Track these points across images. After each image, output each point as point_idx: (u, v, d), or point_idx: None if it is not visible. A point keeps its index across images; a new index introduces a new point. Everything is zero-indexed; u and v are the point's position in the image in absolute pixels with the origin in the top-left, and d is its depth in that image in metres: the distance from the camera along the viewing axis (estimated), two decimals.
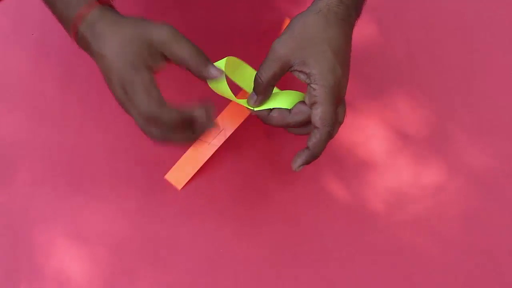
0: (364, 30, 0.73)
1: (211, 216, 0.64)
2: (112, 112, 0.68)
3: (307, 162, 0.48)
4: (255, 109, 0.50)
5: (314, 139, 0.46)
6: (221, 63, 0.49)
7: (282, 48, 0.47)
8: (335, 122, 0.47)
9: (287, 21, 0.65)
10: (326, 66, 0.46)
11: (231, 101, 0.60)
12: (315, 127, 0.46)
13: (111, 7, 0.50)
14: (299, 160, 0.48)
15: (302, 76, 0.47)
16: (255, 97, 0.49)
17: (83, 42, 0.49)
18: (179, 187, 0.64)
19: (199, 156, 0.63)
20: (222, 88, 0.49)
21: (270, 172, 0.66)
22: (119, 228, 0.63)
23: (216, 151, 0.63)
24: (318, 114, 0.46)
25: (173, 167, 0.64)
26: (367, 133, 0.68)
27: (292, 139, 0.67)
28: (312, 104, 0.46)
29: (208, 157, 0.63)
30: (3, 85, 0.69)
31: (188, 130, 0.48)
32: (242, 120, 0.63)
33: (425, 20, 0.75)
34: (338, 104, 0.48)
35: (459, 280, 0.62)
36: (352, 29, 0.50)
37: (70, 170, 0.66)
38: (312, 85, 0.46)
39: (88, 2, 0.47)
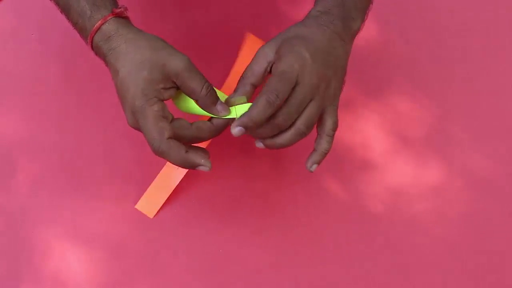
0: (363, 31, 0.73)
1: (210, 218, 0.64)
2: (112, 112, 0.68)
3: (245, 126, 0.46)
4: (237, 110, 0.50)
5: (254, 103, 0.46)
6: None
7: (264, 48, 0.49)
8: (280, 93, 0.45)
9: (249, 36, 0.65)
10: (291, 50, 0.47)
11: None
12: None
13: (126, 18, 0.50)
14: (236, 122, 0.47)
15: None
16: (234, 94, 0.50)
17: (98, 52, 0.49)
18: (151, 215, 0.63)
19: (169, 182, 0.62)
20: (193, 108, 0.50)
21: (269, 173, 0.66)
22: (119, 229, 0.63)
23: (215, 151, 0.63)
24: (266, 83, 0.46)
25: (142, 196, 0.63)
26: (366, 134, 0.68)
27: None
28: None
29: (177, 182, 0.61)
30: (3, 85, 0.69)
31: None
32: (208, 141, 0.61)
33: (425, 20, 0.75)
34: (307, 93, 0.47)
35: (459, 281, 0.62)
36: (340, 37, 0.50)
37: (69, 170, 0.66)
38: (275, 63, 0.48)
39: (102, 13, 0.48)
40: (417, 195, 0.66)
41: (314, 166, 0.50)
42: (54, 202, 0.64)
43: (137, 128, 0.48)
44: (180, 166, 0.48)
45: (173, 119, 0.48)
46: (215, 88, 0.50)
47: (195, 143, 0.50)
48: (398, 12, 0.75)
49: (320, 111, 0.49)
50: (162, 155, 0.46)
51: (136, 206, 0.63)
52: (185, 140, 0.48)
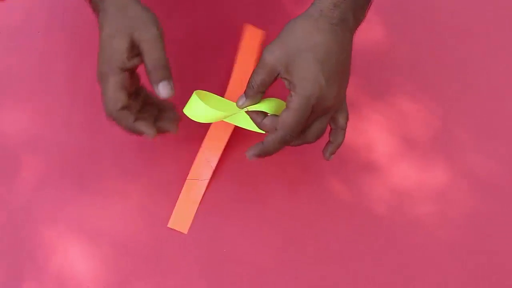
0: (369, 32, 0.73)
1: (215, 216, 0.64)
2: None
3: (259, 155, 0.50)
4: (249, 109, 0.51)
5: (269, 137, 0.48)
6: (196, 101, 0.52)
7: (269, 56, 0.47)
8: (295, 131, 0.47)
9: (247, 27, 0.66)
10: (306, 75, 0.46)
11: (207, 132, 0.63)
12: (276, 128, 0.48)
13: None
14: (251, 150, 0.50)
15: (286, 83, 0.48)
16: (244, 99, 0.50)
17: (94, 8, 0.52)
18: (185, 231, 0.63)
19: (194, 195, 0.64)
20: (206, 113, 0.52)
21: (274, 174, 0.66)
22: (123, 227, 0.64)
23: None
24: (282, 117, 0.47)
25: (172, 214, 0.63)
26: (371, 135, 0.68)
27: None
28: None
29: (202, 193, 0.64)
30: (9, 82, 0.70)
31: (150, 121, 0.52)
32: (223, 146, 0.64)
33: (430, 22, 0.74)
34: (319, 114, 0.48)
35: (462, 283, 0.62)
36: (351, 33, 0.49)
37: (75, 168, 0.66)
38: (291, 92, 0.47)
39: None
40: (421, 197, 0.66)
41: (332, 156, 0.53)
42: (58, 199, 0.64)
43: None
44: (128, 133, 0.52)
45: (135, 92, 0.52)
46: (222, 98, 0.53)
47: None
48: (404, 14, 0.75)
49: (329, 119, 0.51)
50: (113, 121, 0.50)
51: (169, 225, 0.63)
52: (134, 110, 0.52)
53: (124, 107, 0.50)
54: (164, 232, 0.63)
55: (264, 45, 0.68)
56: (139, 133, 0.51)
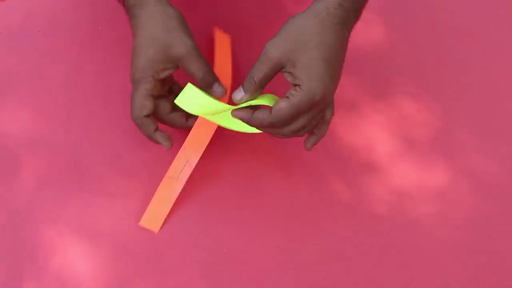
0: (370, 32, 0.73)
1: (214, 216, 0.64)
2: (118, 110, 0.68)
3: (241, 119, 0.51)
4: (241, 105, 0.51)
5: (260, 114, 0.49)
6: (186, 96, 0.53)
7: (274, 50, 0.47)
8: (285, 122, 0.48)
9: (216, 32, 0.66)
10: (313, 73, 0.46)
11: (190, 131, 0.61)
12: (270, 111, 0.49)
13: None
14: (240, 112, 0.51)
15: (290, 77, 0.48)
16: (243, 93, 0.50)
17: (127, 11, 0.54)
18: (156, 230, 0.63)
19: (169, 194, 0.62)
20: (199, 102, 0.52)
21: (274, 173, 0.66)
22: (124, 227, 0.64)
23: (220, 150, 0.63)
24: (279, 105, 0.47)
25: (145, 212, 0.62)
26: (371, 135, 0.68)
27: (297, 140, 0.67)
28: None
29: (178, 193, 0.62)
30: (10, 82, 0.70)
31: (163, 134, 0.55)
32: (205, 147, 0.62)
33: (431, 22, 0.75)
34: (318, 112, 0.49)
35: (462, 284, 0.62)
36: (348, 32, 0.50)
37: (75, 168, 0.66)
38: (295, 86, 0.47)
39: None
40: (421, 197, 0.66)
41: (313, 146, 0.56)
42: (59, 199, 0.64)
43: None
44: (147, 138, 0.55)
45: (163, 96, 0.55)
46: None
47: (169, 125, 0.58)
48: (404, 14, 0.75)
49: None
50: (136, 125, 0.53)
51: (140, 223, 0.63)
52: (160, 122, 0.56)
53: (149, 115, 0.53)
54: (164, 232, 0.63)
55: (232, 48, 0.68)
56: (156, 142, 0.54)
